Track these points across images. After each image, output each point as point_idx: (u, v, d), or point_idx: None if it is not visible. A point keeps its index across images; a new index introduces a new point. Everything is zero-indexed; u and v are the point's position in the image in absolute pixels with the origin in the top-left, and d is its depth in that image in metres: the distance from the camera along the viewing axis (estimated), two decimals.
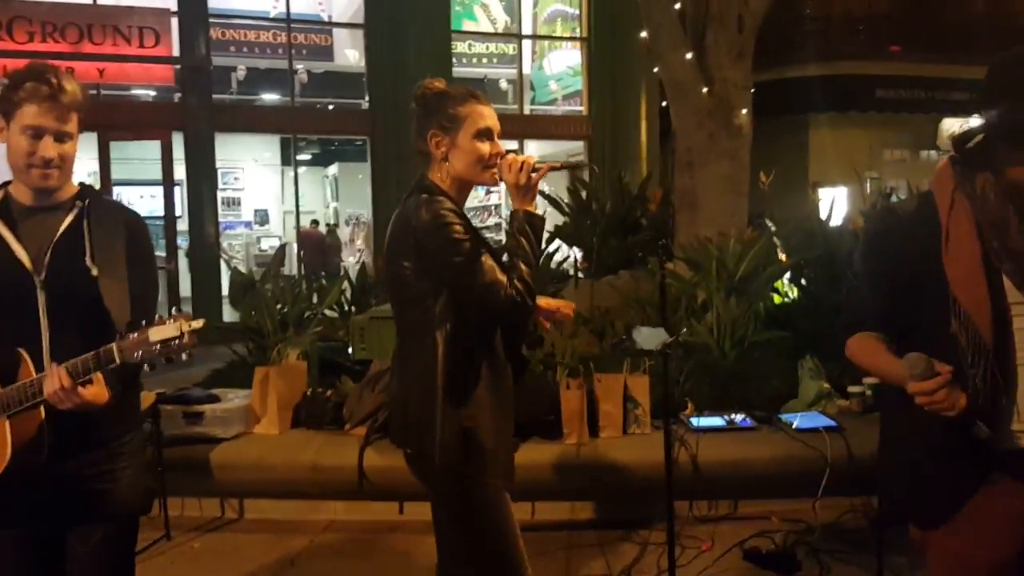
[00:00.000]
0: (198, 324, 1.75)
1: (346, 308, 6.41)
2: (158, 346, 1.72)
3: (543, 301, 2.42)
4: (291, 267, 12.67)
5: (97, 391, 1.79)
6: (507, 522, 2.16)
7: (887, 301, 1.86)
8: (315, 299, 5.82)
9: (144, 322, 1.73)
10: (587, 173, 9.50)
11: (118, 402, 1.87)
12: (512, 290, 2.03)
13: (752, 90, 7.02)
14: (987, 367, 1.68)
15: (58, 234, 1.94)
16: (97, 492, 1.96)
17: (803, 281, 5.72)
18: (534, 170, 2.10)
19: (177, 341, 1.72)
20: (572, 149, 13.81)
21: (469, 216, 2.17)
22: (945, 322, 1.72)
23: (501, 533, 2.15)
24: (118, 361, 1.75)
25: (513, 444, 2.29)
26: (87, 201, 2.00)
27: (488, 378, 2.12)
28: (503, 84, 14.38)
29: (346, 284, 6.57)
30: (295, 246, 13.20)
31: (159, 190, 11.03)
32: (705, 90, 6.75)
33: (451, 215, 2.06)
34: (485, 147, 2.15)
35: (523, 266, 2.07)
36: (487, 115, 2.17)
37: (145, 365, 1.75)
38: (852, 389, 4.55)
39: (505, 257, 2.15)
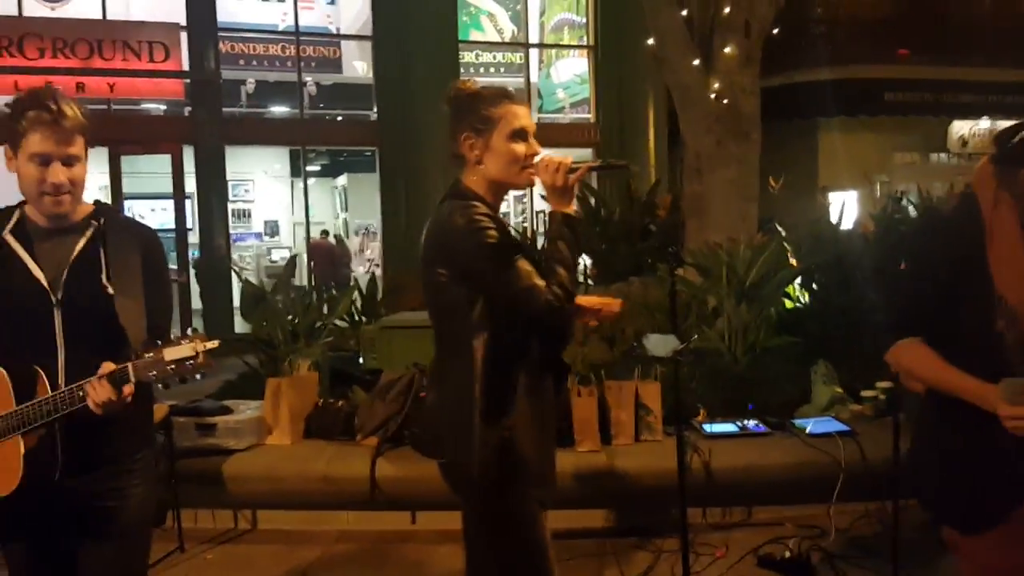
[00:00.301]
0: (213, 344, 1.76)
1: (356, 318, 6.43)
2: (172, 366, 1.73)
3: (585, 300, 2.35)
4: (301, 278, 12.71)
5: (128, 388, 1.81)
6: (541, 538, 2.10)
7: (931, 301, 1.86)
8: (325, 310, 5.84)
9: (159, 342, 1.75)
10: (596, 179, 9.50)
11: (129, 416, 1.87)
12: (550, 295, 1.96)
13: (760, 95, 7.01)
14: None
15: (74, 255, 1.95)
16: (107, 509, 1.96)
17: (814, 286, 5.71)
18: (571, 171, 2.04)
19: (191, 362, 1.74)
20: (580, 157, 13.76)
21: None
22: (988, 321, 1.72)
23: (535, 549, 2.09)
24: (132, 380, 1.77)
25: (553, 453, 2.21)
26: (102, 220, 2.01)
27: (527, 386, 2.05)
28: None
29: (356, 294, 6.59)
30: (305, 257, 13.24)
31: (170, 203, 11.08)
32: (713, 96, 6.74)
33: (485, 220, 2.00)
34: (520, 148, 2.09)
35: (561, 270, 2.01)
36: (521, 115, 2.11)
37: (159, 384, 1.76)
38: (865, 393, 4.53)
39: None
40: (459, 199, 2.07)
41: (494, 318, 2.01)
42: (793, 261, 5.65)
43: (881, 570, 3.40)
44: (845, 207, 6.60)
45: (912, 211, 6.59)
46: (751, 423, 4.36)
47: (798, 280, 5.74)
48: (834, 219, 6.29)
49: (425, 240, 2.11)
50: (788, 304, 5.69)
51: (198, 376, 1.76)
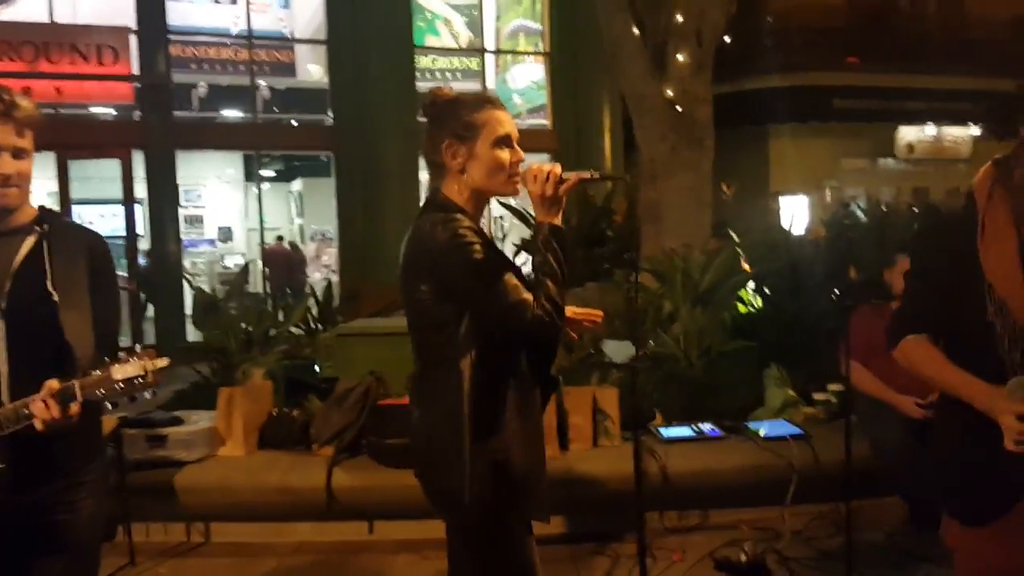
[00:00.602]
0: (162, 363, 1.72)
1: (312, 326, 6.36)
2: (120, 384, 1.69)
3: (569, 311, 2.24)
4: (256, 285, 12.55)
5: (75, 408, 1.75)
6: (530, 561, 2.05)
7: (932, 297, 1.91)
8: (281, 317, 5.77)
9: (107, 359, 1.70)
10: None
11: (78, 429, 1.83)
12: (539, 310, 1.89)
13: (713, 102, 7.11)
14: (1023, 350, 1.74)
15: (17, 261, 1.89)
16: (57, 523, 1.91)
17: (767, 290, 5.79)
18: (561, 181, 1.98)
19: (140, 380, 1.70)
20: (537, 162, 13.88)
21: None
22: (981, 311, 1.77)
23: (523, 572, 2.05)
24: (79, 399, 1.72)
25: (544, 471, 2.11)
26: (46, 226, 1.95)
27: (517, 404, 1.98)
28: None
29: (312, 301, 6.52)
30: (260, 263, 13.08)
31: (120, 209, 10.87)
32: (666, 103, 6.81)
33: (469, 234, 1.92)
34: (505, 155, 2.01)
35: (550, 283, 1.93)
36: (505, 121, 2.03)
37: (107, 403, 1.71)
38: (817, 397, 4.61)
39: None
40: (439, 211, 1.98)
41: (481, 335, 1.94)
42: (746, 266, 5.73)
43: (835, 571, 3.46)
44: (796, 213, 6.71)
45: (862, 216, 6.73)
46: (706, 427, 4.41)
47: (751, 285, 5.82)
48: (785, 225, 6.39)
49: (405, 255, 2.03)
50: (742, 309, 5.77)
51: (147, 394, 1.72)
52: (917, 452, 3.84)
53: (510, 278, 1.92)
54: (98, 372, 1.70)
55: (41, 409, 1.72)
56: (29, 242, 1.92)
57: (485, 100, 2.07)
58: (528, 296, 1.91)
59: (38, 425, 1.73)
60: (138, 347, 1.73)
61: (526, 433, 1.99)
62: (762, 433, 4.28)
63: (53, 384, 1.73)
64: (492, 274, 1.91)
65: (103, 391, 1.70)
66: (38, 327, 1.84)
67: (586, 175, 2.07)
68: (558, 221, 2.00)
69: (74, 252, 1.93)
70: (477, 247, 1.91)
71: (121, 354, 1.72)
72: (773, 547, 3.77)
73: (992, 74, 15.70)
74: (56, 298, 1.86)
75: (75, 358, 1.78)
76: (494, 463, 1.93)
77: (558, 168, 1.99)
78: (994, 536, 1.81)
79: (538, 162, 2.03)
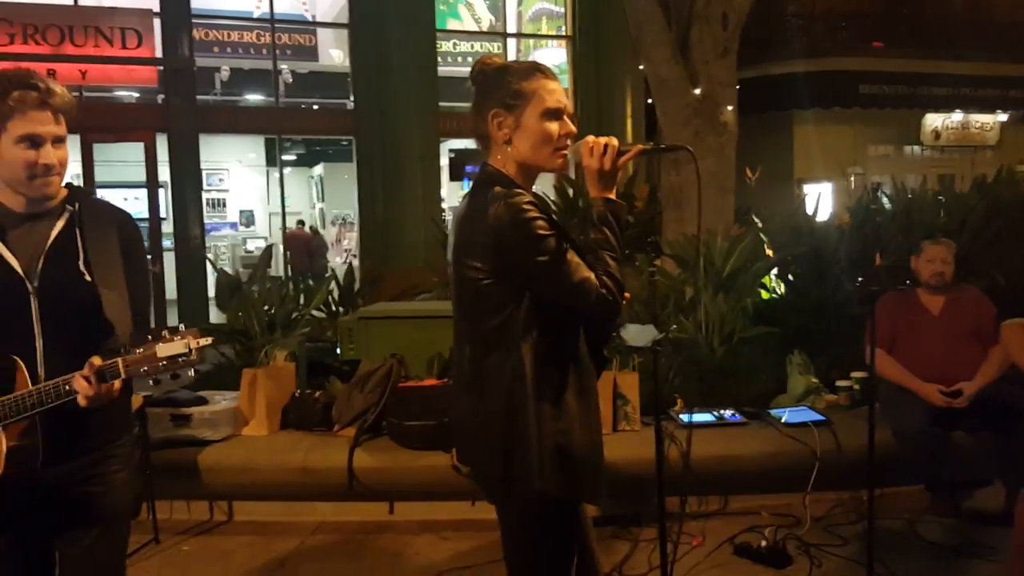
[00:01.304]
0: (206, 341, 1.72)
1: (334, 309, 6.39)
2: (164, 362, 1.70)
3: None
4: (277, 268, 12.63)
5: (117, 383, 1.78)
6: (573, 547, 2.01)
7: None
8: (302, 300, 5.80)
9: (150, 336, 1.71)
10: (572, 171, 9.49)
11: (111, 404, 1.85)
12: (603, 288, 1.83)
13: (737, 87, 7.04)
14: None
15: (50, 240, 1.90)
16: (90, 495, 1.94)
17: (790, 277, 5.75)
18: (620, 154, 1.92)
19: (184, 358, 1.70)
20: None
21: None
22: None
23: (565, 564, 2.00)
24: (123, 376, 1.73)
25: (602, 453, 2.04)
26: (77, 204, 1.96)
27: (576, 386, 1.91)
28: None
29: (333, 285, 6.55)
30: (281, 247, 13.15)
31: (143, 192, 10.95)
32: (690, 88, 6.76)
33: (533, 209, 1.83)
34: (554, 127, 1.92)
35: (610, 261, 1.87)
36: (556, 91, 1.93)
37: (150, 381, 1.72)
38: (840, 383, 4.58)
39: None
40: (497, 186, 1.88)
41: (542, 315, 1.86)
42: (769, 252, 5.69)
43: (856, 558, 3.45)
44: (821, 199, 6.64)
45: (887, 203, 6.65)
46: (728, 413, 4.39)
47: (774, 271, 5.78)
48: (810, 211, 6.33)
49: (458, 235, 1.95)
50: (764, 295, 5.73)
51: (190, 372, 1.72)
52: (940, 440, 3.81)
53: (573, 256, 1.85)
54: (142, 350, 1.71)
55: (84, 386, 1.74)
56: (60, 222, 1.93)
57: (535, 68, 1.96)
58: (591, 275, 1.85)
59: (81, 401, 1.75)
60: (182, 326, 1.74)
61: (586, 415, 1.93)
62: (784, 420, 4.26)
63: (96, 361, 1.74)
64: (556, 251, 1.83)
65: (146, 368, 1.71)
66: (72, 305, 1.85)
67: (647, 147, 2.01)
68: (613, 195, 1.95)
69: (106, 231, 1.94)
70: (542, 223, 1.83)
71: (164, 332, 1.73)
72: (794, 533, 3.76)
73: (1020, 59, 15.44)
74: (88, 277, 1.87)
75: (116, 335, 1.78)
76: (557, 447, 1.87)
77: (615, 140, 1.92)
78: None
79: (593, 136, 1.96)
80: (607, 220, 1.92)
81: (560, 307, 1.88)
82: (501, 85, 1.93)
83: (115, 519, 2.01)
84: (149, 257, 7.83)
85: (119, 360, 1.73)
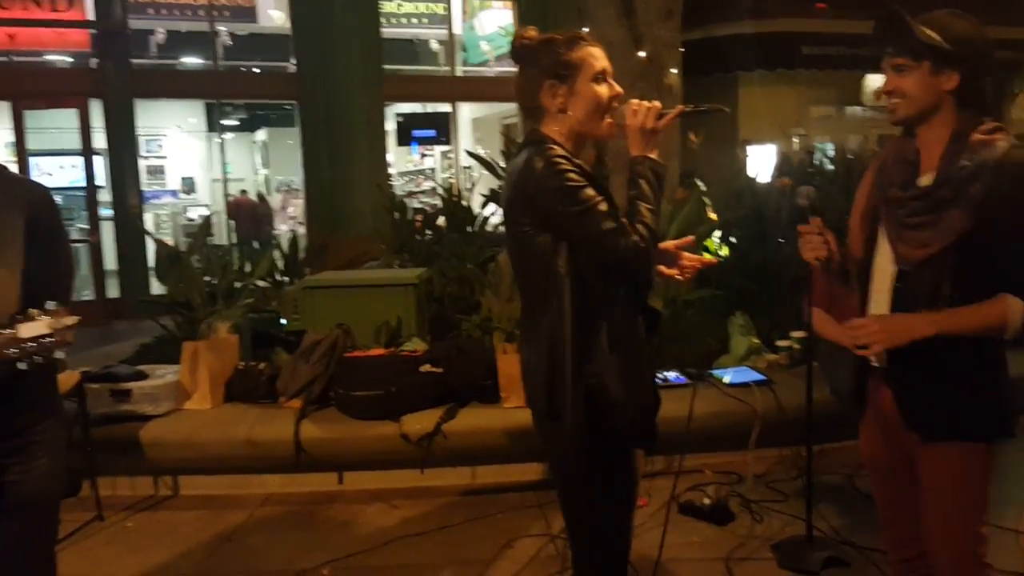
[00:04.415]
0: (71, 320, 1.66)
1: (278, 278, 6.30)
2: (31, 343, 1.63)
3: (669, 243, 2.25)
4: (222, 237, 12.38)
5: None
6: (625, 492, 2.12)
7: None
8: (248, 268, 5.70)
9: (19, 316, 1.64)
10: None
11: (28, 387, 1.78)
12: (636, 236, 1.89)
13: (682, 49, 7.04)
14: None
15: None
16: (10, 484, 1.89)
17: (732, 239, 5.82)
18: (660, 116, 2.01)
19: (50, 338, 1.64)
20: (506, 111, 13.73)
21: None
22: None
23: (611, 504, 2.09)
24: None
25: (653, 402, 2.11)
26: None
27: (613, 333, 1.98)
28: (433, 45, 14.15)
29: (278, 254, 6.45)
30: (224, 215, 12.88)
31: (79, 160, 10.60)
32: (635, 49, 6.74)
33: (564, 162, 1.94)
34: (604, 90, 2.04)
35: (645, 211, 1.95)
36: (600, 56, 2.05)
37: (21, 363, 1.64)
38: (780, 343, 4.68)
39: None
40: (537, 144, 2.00)
41: (579, 264, 1.96)
42: (712, 215, 5.75)
43: (796, 513, 3.55)
44: (764, 161, 6.72)
45: (828, 164, 6.75)
46: (672, 375, 4.46)
47: (717, 234, 5.85)
48: (751, 173, 6.41)
49: (506, 194, 2.06)
50: (707, 257, 5.80)
51: (60, 353, 1.66)
52: None
53: (604, 204, 1.93)
54: (8, 331, 1.64)
55: None
56: None
57: (578, 37, 2.07)
58: (623, 222, 1.92)
59: None
60: (51, 304, 1.67)
61: (624, 361, 1.99)
62: (726, 380, 4.35)
63: None
64: (588, 200, 1.91)
65: (15, 350, 1.64)
66: None
67: (687, 108, 2.11)
68: (655, 154, 2.03)
69: (9, 204, 1.86)
70: (572, 174, 1.93)
71: (32, 311, 1.66)
72: (736, 490, 3.86)
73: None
74: None
75: None
76: (588, 389, 1.96)
77: (658, 103, 2.03)
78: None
79: (635, 99, 2.05)
80: (647, 176, 2.00)
81: (595, 255, 1.95)
82: (550, 56, 2.03)
83: (40, 507, 1.96)
84: (87, 227, 7.51)
85: None
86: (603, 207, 1.93)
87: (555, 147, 1.98)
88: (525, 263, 2.05)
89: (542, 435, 2.15)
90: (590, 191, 1.93)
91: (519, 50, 2.09)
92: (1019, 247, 1.86)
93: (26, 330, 1.63)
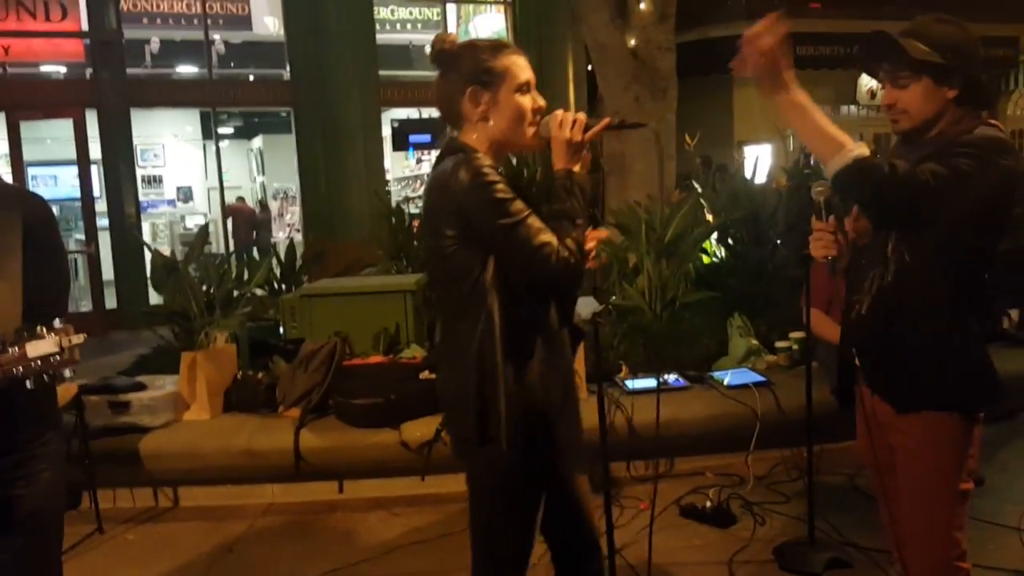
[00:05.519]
0: (78, 339, 1.63)
1: (276, 286, 6.29)
2: (37, 362, 1.60)
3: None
4: (219, 245, 12.36)
5: None
6: (533, 526, 2.03)
7: None
8: (246, 277, 5.68)
9: (26, 334, 1.63)
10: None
11: (29, 401, 1.77)
12: (565, 251, 1.85)
13: (676, 51, 7.05)
14: None
15: None
16: (14, 498, 1.87)
17: (730, 241, 5.82)
18: (587, 127, 1.96)
19: (57, 357, 1.61)
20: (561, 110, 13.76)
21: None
22: None
23: (525, 535, 2.02)
24: None
25: (578, 419, 2.08)
26: None
27: (542, 351, 1.94)
28: (428, 50, 14.15)
29: (275, 262, 6.44)
30: (220, 223, 12.86)
31: (75, 170, 10.59)
32: (629, 53, 6.75)
33: (492, 173, 1.87)
34: (527, 101, 1.97)
35: (573, 227, 1.91)
36: (525, 67, 1.99)
37: (26, 381, 1.62)
38: (779, 344, 4.67)
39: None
40: (461, 153, 1.92)
41: (507, 279, 1.90)
42: (709, 217, 5.75)
43: (798, 514, 3.55)
44: (759, 162, 6.71)
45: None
46: (671, 377, 4.45)
47: (714, 236, 5.84)
48: (748, 174, 6.40)
49: (426, 204, 1.99)
50: (705, 260, 5.81)
51: (66, 372, 1.65)
52: None
53: (535, 220, 1.88)
54: (15, 349, 1.63)
55: None
56: None
57: (502, 45, 2.02)
58: (552, 238, 1.87)
59: None
60: (57, 321, 1.66)
61: (552, 381, 1.96)
62: (726, 382, 4.34)
63: None
64: (517, 214, 1.86)
65: (20, 369, 1.61)
66: None
67: (611, 122, 2.06)
68: (578, 168, 1.99)
69: (9, 216, 1.82)
70: (501, 186, 1.87)
71: (39, 329, 1.65)
72: (737, 493, 3.85)
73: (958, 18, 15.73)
74: None
75: None
76: (524, 409, 1.90)
77: (583, 115, 1.98)
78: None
79: (562, 110, 2.01)
80: (572, 190, 1.96)
81: (523, 271, 1.90)
82: (473, 62, 1.97)
83: (45, 520, 1.94)
84: (83, 238, 7.47)
85: None
86: (533, 221, 1.87)
87: (481, 156, 1.92)
88: (448, 277, 1.96)
89: (466, 460, 2.06)
90: (519, 204, 1.88)
91: (440, 55, 2.02)
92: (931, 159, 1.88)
93: (33, 348, 1.61)
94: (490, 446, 1.90)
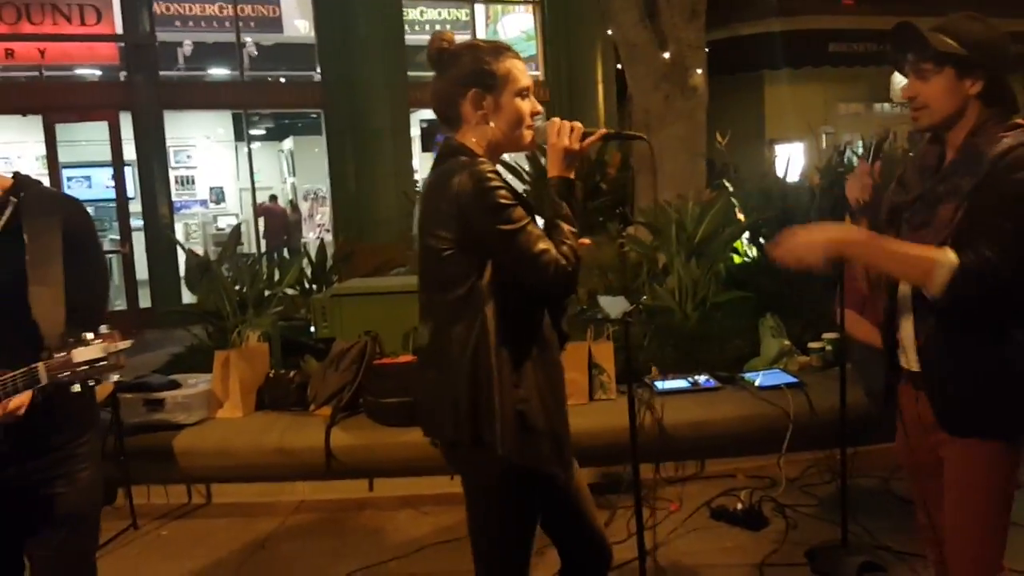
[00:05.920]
0: (124, 344, 1.66)
1: (307, 286, 6.35)
2: (85, 367, 1.64)
3: None
4: (250, 245, 12.49)
5: (20, 400, 1.70)
6: (531, 530, 2.02)
7: None
8: (277, 277, 5.74)
9: (72, 340, 1.66)
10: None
11: (70, 401, 1.80)
12: (562, 259, 1.87)
13: (706, 49, 7.01)
14: None
15: None
16: (55, 496, 1.90)
17: (761, 240, 5.77)
18: (584, 136, 1.98)
19: (103, 362, 1.65)
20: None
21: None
22: None
23: (523, 539, 2.01)
24: (45, 382, 1.66)
25: (567, 426, 2.06)
26: (22, 195, 1.88)
27: (537, 357, 1.94)
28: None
29: (306, 262, 6.50)
30: (252, 223, 12.99)
31: (110, 172, 10.76)
32: (659, 51, 6.72)
33: (496, 178, 1.87)
34: (526, 105, 1.99)
35: (568, 233, 1.93)
36: (523, 71, 2.01)
37: (74, 386, 1.66)
38: (812, 345, 4.62)
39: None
40: (461, 156, 1.92)
41: (502, 285, 1.89)
42: (741, 216, 5.70)
43: (830, 517, 3.50)
44: (791, 160, 6.64)
45: (856, 161, 6.66)
46: (702, 378, 4.42)
47: (746, 235, 5.79)
48: (780, 172, 6.34)
49: (423, 206, 1.97)
50: (737, 259, 5.76)
51: (114, 376, 1.67)
52: None
53: (534, 227, 1.89)
54: (62, 355, 1.65)
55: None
56: (5, 214, 1.84)
57: (504, 48, 2.02)
58: (551, 246, 1.88)
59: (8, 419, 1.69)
60: (104, 328, 1.68)
61: (546, 386, 1.96)
62: (757, 383, 4.30)
63: (17, 399, 1.68)
64: (518, 220, 1.86)
65: (68, 374, 1.65)
66: (13, 303, 1.75)
67: (609, 132, 2.07)
68: (572, 176, 2.01)
69: (50, 225, 1.85)
70: (503, 192, 1.86)
71: (87, 335, 1.67)
72: (769, 495, 3.81)
73: (989, 15, 15.48)
74: (28, 273, 1.78)
75: (40, 337, 1.70)
76: (517, 414, 1.89)
77: (580, 124, 1.99)
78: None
79: (559, 118, 2.02)
80: (568, 198, 1.98)
81: (521, 277, 1.90)
82: (475, 65, 1.96)
83: (84, 517, 1.98)
84: (117, 238, 7.60)
85: (40, 365, 1.66)
86: (532, 228, 1.88)
87: (484, 161, 1.91)
88: (443, 280, 1.93)
89: (457, 467, 2.07)
90: (520, 211, 1.87)
91: (439, 55, 2.00)
92: (987, 218, 1.81)
93: (80, 354, 1.64)
94: (484, 450, 1.89)
